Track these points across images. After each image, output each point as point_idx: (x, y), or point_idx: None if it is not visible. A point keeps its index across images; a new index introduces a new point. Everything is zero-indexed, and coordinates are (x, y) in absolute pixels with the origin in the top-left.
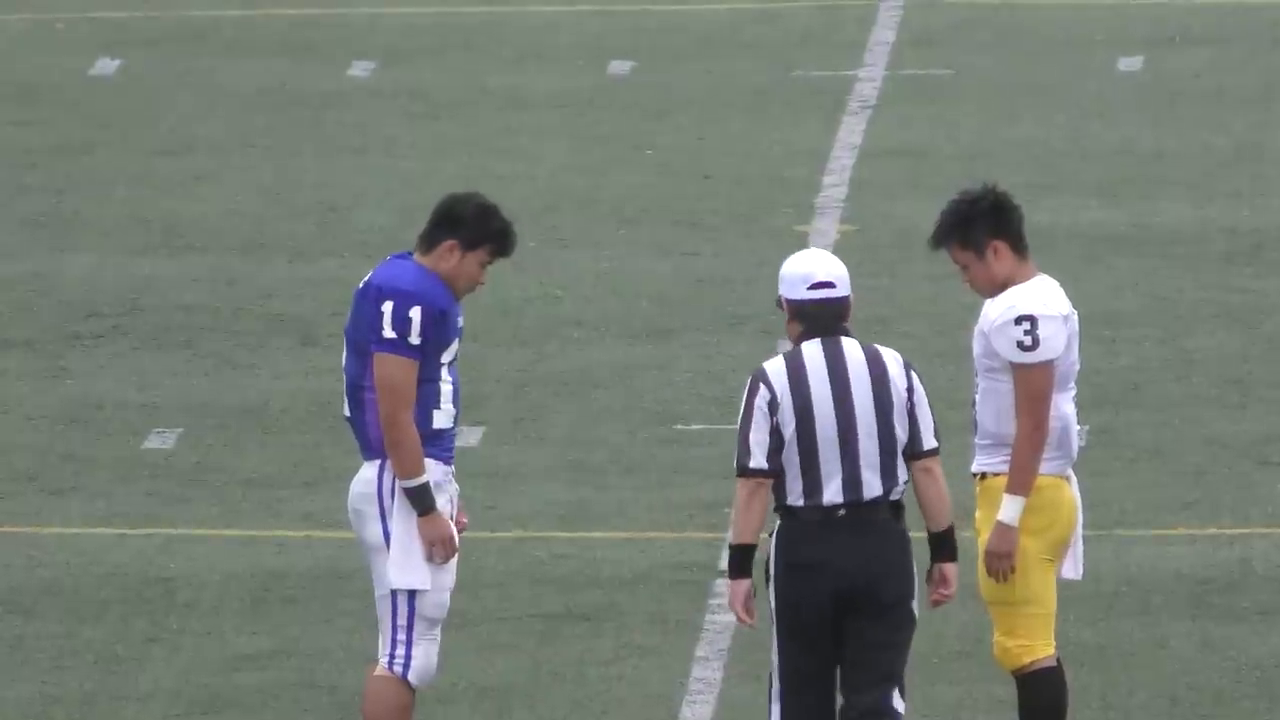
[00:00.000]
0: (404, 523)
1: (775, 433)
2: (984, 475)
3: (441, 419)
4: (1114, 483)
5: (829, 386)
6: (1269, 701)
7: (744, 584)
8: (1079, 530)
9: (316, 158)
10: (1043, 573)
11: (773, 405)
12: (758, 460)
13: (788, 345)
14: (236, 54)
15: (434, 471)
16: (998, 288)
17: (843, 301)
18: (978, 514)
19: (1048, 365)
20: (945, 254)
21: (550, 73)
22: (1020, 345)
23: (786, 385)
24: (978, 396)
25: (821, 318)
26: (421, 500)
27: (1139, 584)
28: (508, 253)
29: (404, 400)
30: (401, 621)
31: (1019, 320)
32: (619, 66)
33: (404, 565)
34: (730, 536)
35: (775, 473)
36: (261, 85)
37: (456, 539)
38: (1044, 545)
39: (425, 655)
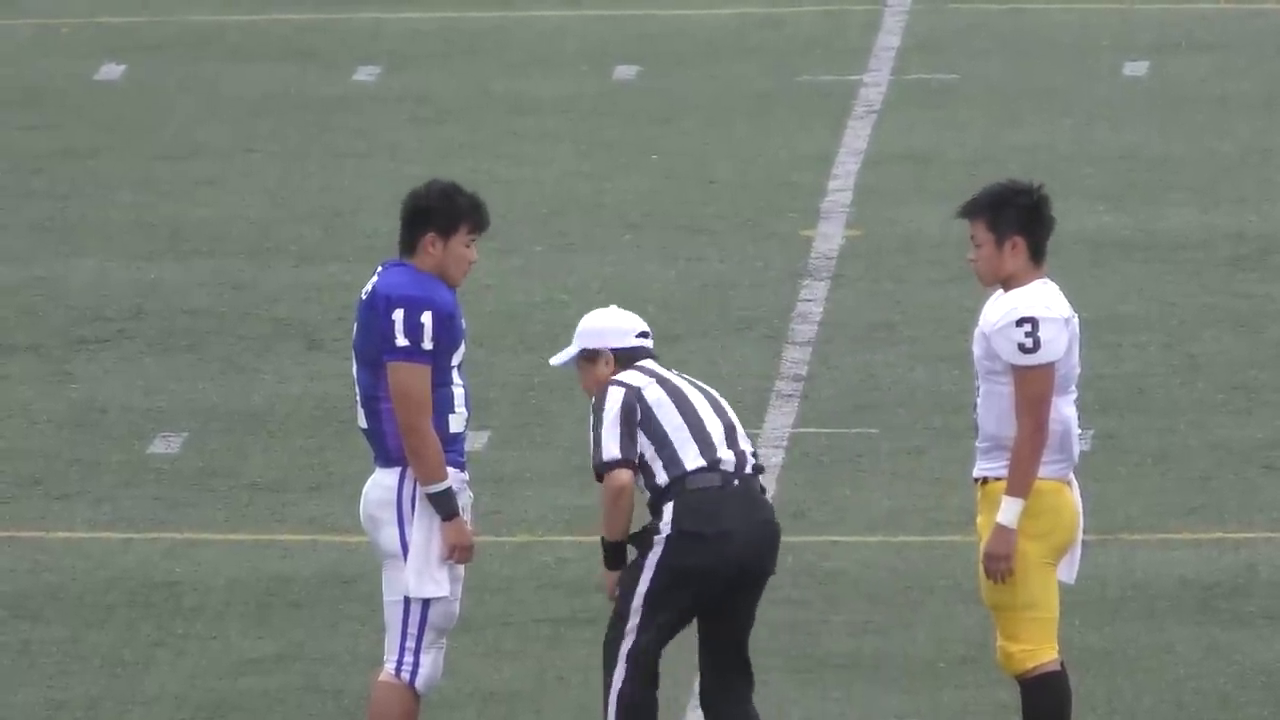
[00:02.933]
0: (423, 531)
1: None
2: (985, 480)
3: (456, 422)
4: (1119, 487)
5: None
6: (1275, 707)
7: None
8: (1079, 535)
9: (321, 162)
10: (1044, 577)
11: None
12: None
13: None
14: (241, 59)
15: (451, 479)
16: (998, 280)
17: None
18: (979, 519)
19: (1048, 368)
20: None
21: (555, 78)
22: (1021, 347)
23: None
24: (979, 400)
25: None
26: (445, 505)
27: (1144, 589)
28: (484, 224)
29: (423, 407)
30: (413, 629)
31: (1020, 322)
32: (624, 71)
33: (422, 574)
34: None
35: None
36: (266, 90)
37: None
38: (1045, 549)
39: (433, 663)
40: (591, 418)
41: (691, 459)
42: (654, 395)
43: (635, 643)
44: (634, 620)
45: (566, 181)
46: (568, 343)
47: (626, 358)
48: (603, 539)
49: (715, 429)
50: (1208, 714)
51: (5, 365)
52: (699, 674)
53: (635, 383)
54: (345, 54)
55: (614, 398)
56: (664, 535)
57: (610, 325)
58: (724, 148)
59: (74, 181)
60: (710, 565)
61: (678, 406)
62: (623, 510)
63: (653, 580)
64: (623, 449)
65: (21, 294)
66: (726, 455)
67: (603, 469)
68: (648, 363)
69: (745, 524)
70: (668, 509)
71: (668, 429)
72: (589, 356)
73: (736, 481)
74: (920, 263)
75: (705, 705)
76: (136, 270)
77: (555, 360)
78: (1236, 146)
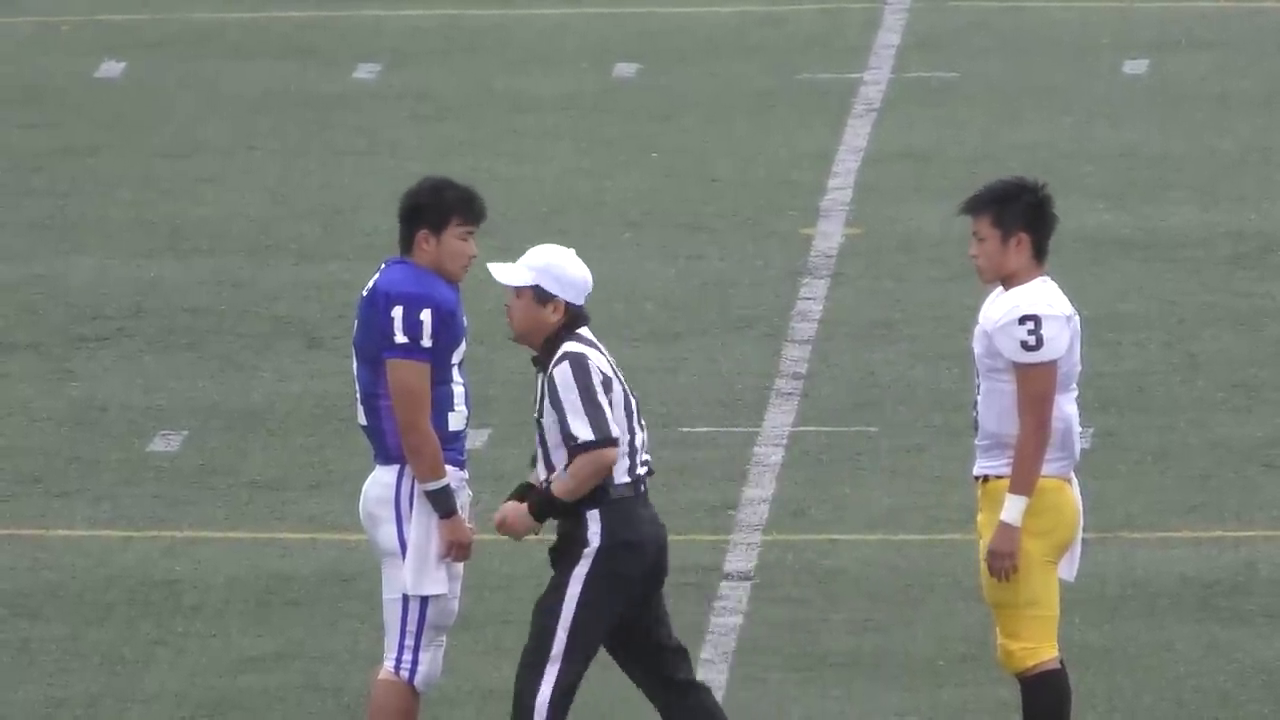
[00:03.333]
0: (421, 529)
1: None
2: (986, 478)
3: (456, 420)
4: (1119, 486)
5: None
6: (1275, 705)
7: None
8: (1080, 533)
9: (321, 160)
10: (1046, 575)
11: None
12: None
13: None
14: (241, 56)
15: (450, 477)
16: (1000, 276)
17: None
18: (980, 517)
19: (1051, 365)
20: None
21: (556, 75)
22: (1024, 345)
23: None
24: (979, 398)
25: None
26: (443, 503)
27: (1144, 587)
28: (478, 216)
29: (421, 405)
30: (411, 627)
31: (1023, 320)
32: (624, 69)
33: (421, 571)
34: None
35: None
36: (266, 88)
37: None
38: (1047, 547)
39: (432, 661)
40: (571, 384)
41: (620, 473)
42: (616, 395)
43: (558, 679)
44: (560, 640)
45: (567, 179)
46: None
47: (574, 317)
48: (550, 491)
49: (640, 442)
50: (1208, 712)
51: (5, 363)
52: (653, 702)
53: (606, 371)
54: (345, 51)
55: (596, 376)
56: (595, 547)
57: (575, 278)
58: (724, 146)
59: (74, 179)
60: (638, 573)
61: (625, 415)
62: (593, 485)
63: (584, 593)
64: (617, 428)
65: (21, 292)
66: (641, 470)
67: (603, 444)
68: (590, 335)
69: (655, 529)
70: (593, 519)
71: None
72: (541, 297)
73: (642, 488)
74: (920, 261)
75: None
76: (136, 268)
77: (500, 276)
78: (1237, 145)
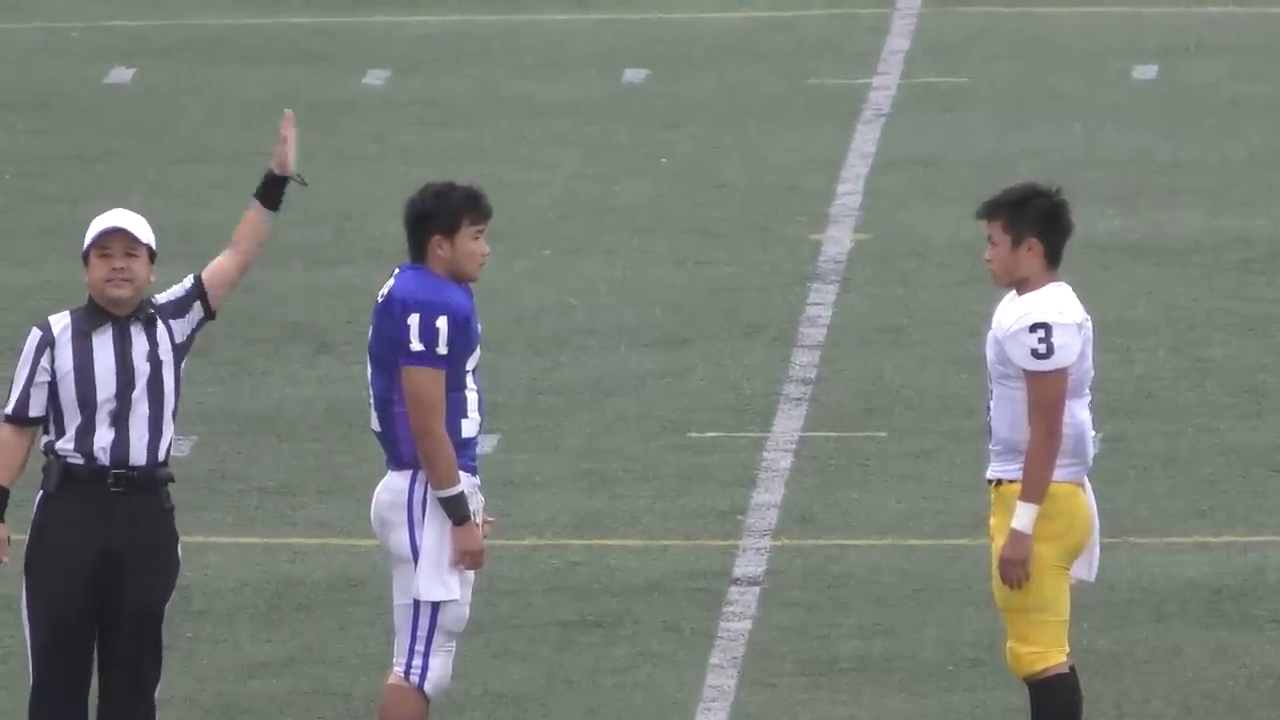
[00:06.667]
0: (434, 534)
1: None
2: (999, 482)
3: (469, 427)
4: (1127, 491)
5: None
6: None
7: None
8: (1095, 535)
9: (331, 166)
10: (1057, 580)
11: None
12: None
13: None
14: (251, 62)
15: (464, 483)
16: (1012, 281)
17: None
18: (992, 520)
19: (1061, 373)
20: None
21: (565, 81)
22: (1034, 353)
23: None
24: (991, 403)
25: None
26: (457, 510)
27: (1153, 592)
28: (485, 213)
29: (436, 411)
30: (422, 632)
31: (1034, 328)
32: (633, 75)
33: (433, 577)
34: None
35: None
36: (276, 93)
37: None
38: (1059, 552)
39: (442, 666)
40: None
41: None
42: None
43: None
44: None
45: (575, 185)
46: (575, 347)
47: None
48: None
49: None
50: (1216, 717)
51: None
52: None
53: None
54: (355, 57)
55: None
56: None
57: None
58: (733, 151)
59: (83, 185)
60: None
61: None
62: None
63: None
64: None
65: (31, 298)
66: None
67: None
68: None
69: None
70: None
71: None
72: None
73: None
74: (929, 266)
75: None
76: None
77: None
78: (1246, 150)
